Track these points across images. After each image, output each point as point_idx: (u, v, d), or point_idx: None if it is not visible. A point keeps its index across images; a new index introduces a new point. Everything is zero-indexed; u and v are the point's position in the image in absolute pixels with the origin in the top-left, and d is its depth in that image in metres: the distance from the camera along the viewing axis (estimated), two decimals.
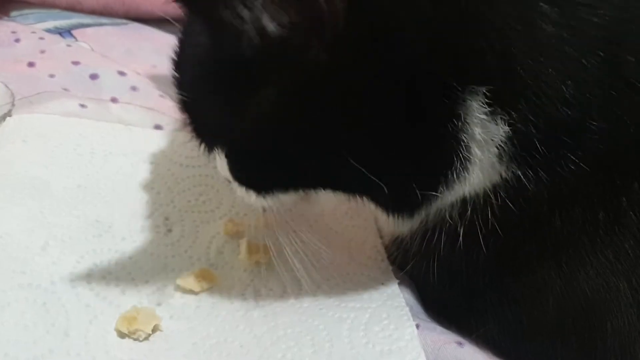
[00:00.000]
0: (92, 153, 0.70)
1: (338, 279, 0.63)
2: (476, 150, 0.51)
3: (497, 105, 0.50)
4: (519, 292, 0.57)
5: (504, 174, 0.52)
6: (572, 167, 0.52)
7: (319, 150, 0.52)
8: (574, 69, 0.50)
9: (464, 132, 0.50)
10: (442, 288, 0.61)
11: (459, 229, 0.55)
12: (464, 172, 0.52)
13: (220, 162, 0.58)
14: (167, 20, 0.63)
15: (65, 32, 0.88)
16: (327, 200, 0.58)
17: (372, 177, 0.51)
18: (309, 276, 0.61)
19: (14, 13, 0.91)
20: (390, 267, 0.64)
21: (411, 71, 0.49)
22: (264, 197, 0.56)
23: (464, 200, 0.54)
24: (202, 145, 0.58)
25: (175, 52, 0.57)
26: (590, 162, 0.52)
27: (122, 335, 0.57)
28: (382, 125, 0.50)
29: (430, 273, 0.59)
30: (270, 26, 0.46)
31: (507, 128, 0.50)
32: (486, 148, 0.51)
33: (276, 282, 0.62)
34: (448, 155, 0.51)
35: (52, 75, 0.78)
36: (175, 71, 0.57)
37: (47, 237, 0.62)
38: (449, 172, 0.51)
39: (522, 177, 0.52)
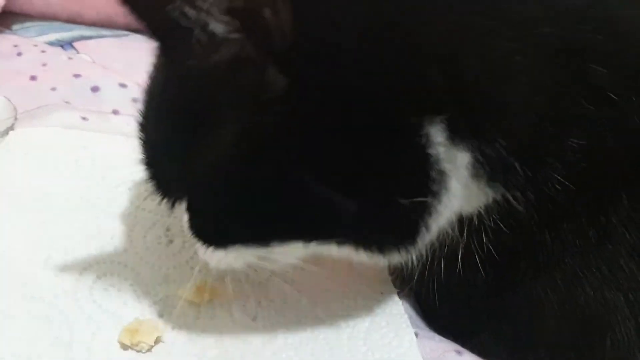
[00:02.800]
0: (94, 165, 0.71)
1: (338, 288, 0.63)
2: (447, 165, 0.50)
3: (457, 135, 0.49)
4: (515, 309, 0.57)
5: (492, 196, 0.52)
6: (558, 187, 0.51)
7: (287, 192, 0.49)
8: (542, 85, 0.49)
9: (431, 149, 0.49)
10: (441, 308, 0.60)
11: (458, 253, 0.55)
12: (444, 184, 0.50)
13: (184, 221, 0.56)
14: None
15: (66, 45, 0.89)
16: (293, 257, 0.56)
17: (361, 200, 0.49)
18: (308, 287, 0.62)
19: (15, 26, 0.92)
20: (390, 277, 0.64)
21: (368, 99, 0.47)
22: (225, 251, 0.54)
23: (460, 225, 0.54)
24: (165, 202, 0.56)
25: (140, 111, 0.56)
26: (574, 180, 0.51)
27: (124, 347, 0.58)
28: (352, 148, 0.48)
29: (429, 295, 0.59)
30: (219, 29, 0.45)
31: (469, 154, 0.50)
32: (455, 167, 0.50)
33: (276, 293, 0.63)
34: (423, 167, 0.49)
35: (53, 89, 0.79)
36: (140, 127, 0.56)
37: (49, 250, 0.62)
38: (430, 182, 0.50)
39: (511, 199, 0.51)
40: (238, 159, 0.49)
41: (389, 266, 0.64)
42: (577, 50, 0.50)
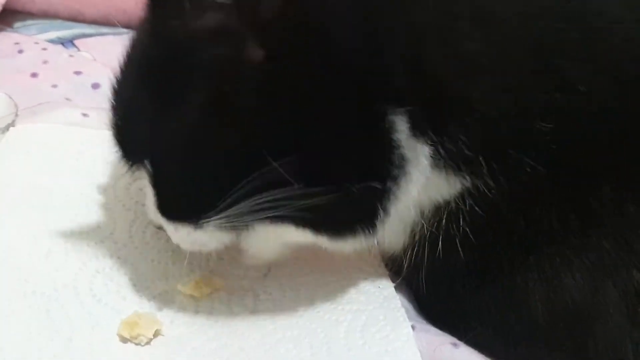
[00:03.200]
0: (94, 161, 0.71)
1: (336, 282, 0.64)
2: (407, 152, 0.51)
3: (417, 129, 0.51)
4: (502, 297, 0.58)
5: (461, 184, 0.53)
6: (528, 170, 0.52)
7: (247, 163, 0.50)
8: (507, 83, 0.51)
9: (395, 134, 0.50)
10: (432, 297, 0.62)
11: (439, 238, 0.56)
12: (404, 170, 0.52)
13: (148, 200, 0.57)
14: None
15: (67, 42, 0.90)
16: (261, 244, 0.57)
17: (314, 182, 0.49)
18: (306, 281, 0.63)
19: (17, 24, 0.93)
20: (387, 271, 0.65)
21: (338, 82, 0.49)
22: (194, 229, 0.54)
23: (437, 209, 0.55)
24: (124, 164, 0.57)
25: (117, 74, 0.57)
26: (545, 163, 0.52)
27: (124, 340, 0.58)
28: (316, 128, 0.50)
29: (420, 284, 0.60)
30: None
31: (428, 147, 0.51)
32: (415, 156, 0.52)
33: (275, 287, 0.63)
34: (387, 150, 0.51)
35: (54, 86, 0.80)
36: (113, 90, 0.57)
37: (50, 245, 0.63)
38: (391, 166, 0.51)
39: (480, 185, 0.53)
40: (205, 125, 0.50)
41: (383, 257, 0.65)
42: (548, 48, 0.51)
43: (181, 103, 0.50)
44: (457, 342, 0.59)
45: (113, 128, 0.56)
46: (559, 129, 0.51)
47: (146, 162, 0.55)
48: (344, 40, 0.49)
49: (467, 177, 0.53)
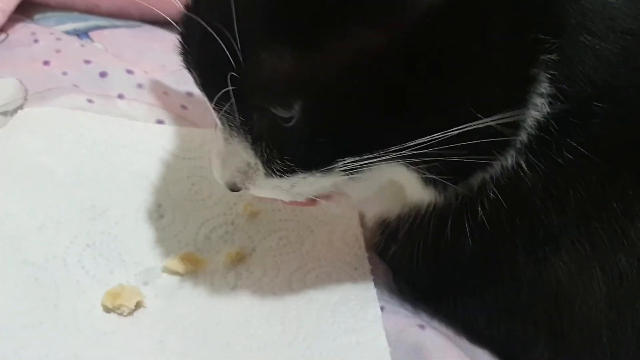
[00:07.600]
0: (94, 143, 0.74)
1: (315, 263, 0.66)
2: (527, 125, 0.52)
3: (554, 83, 0.51)
4: (498, 277, 0.59)
5: (503, 162, 0.54)
6: (570, 156, 0.53)
7: (422, 100, 0.49)
8: (601, 48, 0.52)
9: (534, 97, 0.52)
10: (425, 273, 0.62)
11: (447, 219, 0.57)
12: (516, 142, 0.53)
13: (240, 158, 0.54)
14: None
15: (82, 34, 0.94)
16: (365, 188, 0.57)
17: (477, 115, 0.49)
18: (287, 262, 0.65)
19: (37, 16, 0.96)
20: (366, 254, 0.66)
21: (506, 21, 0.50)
22: (317, 175, 0.52)
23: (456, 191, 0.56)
24: (239, 118, 0.51)
25: None
26: (589, 148, 0.53)
27: (107, 309, 0.61)
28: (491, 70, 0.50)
29: (414, 258, 0.60)
30: None
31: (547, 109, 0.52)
32: (528, 125, 0.53)
33: (257, 266, 0.66)
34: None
35: (64, 73, 0.83)
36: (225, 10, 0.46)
37: (44, 219, 0.66)
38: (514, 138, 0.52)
39: (522, 164, 0.53)
40: (387, 55, 0.48)
41: (374, 228, 0.66)
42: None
43: (347, 37, 0.47)
44: (424, 323, 0.60)
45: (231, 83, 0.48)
46: (610, 111, 0.52)
47: (286, 105, 0.49)
48: None
49: (513, 152, 0.53)
